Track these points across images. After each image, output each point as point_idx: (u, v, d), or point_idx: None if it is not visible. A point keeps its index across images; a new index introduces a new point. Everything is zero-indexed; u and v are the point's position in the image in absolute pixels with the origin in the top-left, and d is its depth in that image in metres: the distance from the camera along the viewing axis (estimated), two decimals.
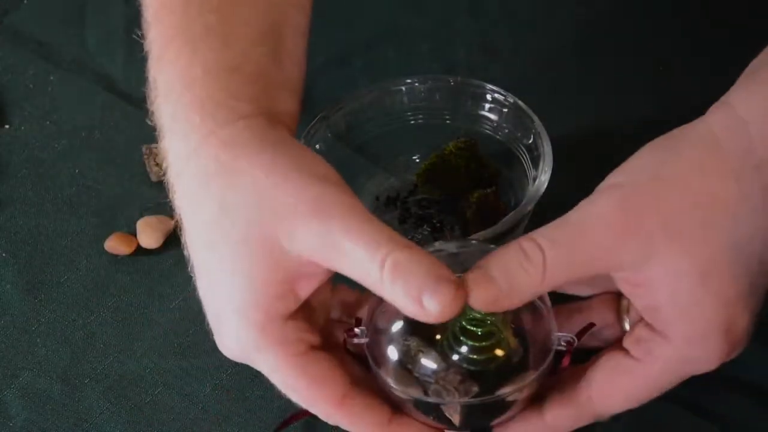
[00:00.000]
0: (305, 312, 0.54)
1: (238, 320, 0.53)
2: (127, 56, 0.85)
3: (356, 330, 0.55)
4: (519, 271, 0.50)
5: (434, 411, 0.54)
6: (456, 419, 0.54)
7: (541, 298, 0.54)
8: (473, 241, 0.58)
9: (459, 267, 0.52)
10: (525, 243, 0.51)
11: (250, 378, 0.65)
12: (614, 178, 0.54)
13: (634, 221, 0.51)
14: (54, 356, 0.68)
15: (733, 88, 0.55)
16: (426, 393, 0.53)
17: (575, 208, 0.53)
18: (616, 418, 0.57)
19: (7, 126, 0.82)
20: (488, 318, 0.52)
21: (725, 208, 0.51)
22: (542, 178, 0.64)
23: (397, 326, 0.54)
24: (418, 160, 0.74)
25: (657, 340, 0.53)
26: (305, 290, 0.53)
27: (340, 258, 0.50)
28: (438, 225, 0.70)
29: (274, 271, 0.52)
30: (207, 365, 0.66)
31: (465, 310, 0.50)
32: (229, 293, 0.53)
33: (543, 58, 0.83)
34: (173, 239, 0.72)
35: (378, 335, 0.54)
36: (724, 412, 0.61)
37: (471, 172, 0.71)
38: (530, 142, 0.68)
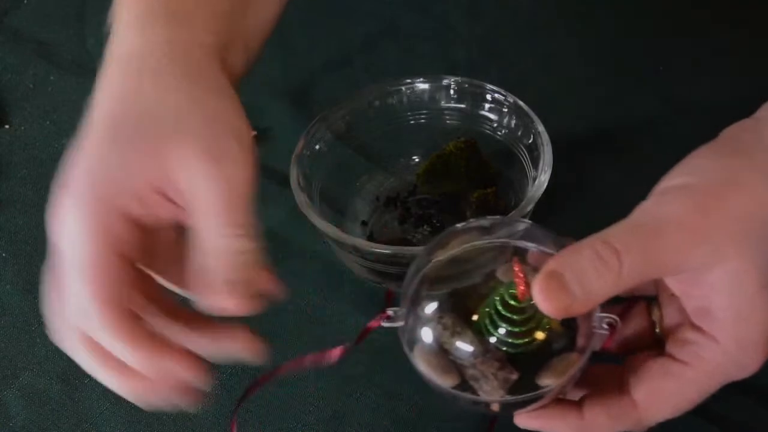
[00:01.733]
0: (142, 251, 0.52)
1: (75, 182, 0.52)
2: None
3: (389, 311, 0.53)
4: (594, 277, 0.48)
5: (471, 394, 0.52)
6: (495, 407, 0.52)
7: None
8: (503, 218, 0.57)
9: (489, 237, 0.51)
10: (600, 246, 0.49)
11: (250, 378, 0.65)
12: (680, 178, 0.52)
13: (708, 225, 0.50)
14: (54, 356, 0.68)
15: None
16: (463, 378, 0.51)
17: (641, 209, 0.51)
18: None
19: (7, 126, 0.82)
20: (529, 299, 0.50)
21: None
22: (542, 178, 0.64)
23: (433, 307, 0.52)
24: (418, 160, 0.74)
25: (707, 344, 0.51)
26: (137, 211, 0.51)
27: (196, 201, 0.50)
28: (438, 225, 0.70)
29: (140, 165, 0.51)
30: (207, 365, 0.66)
31: (504, 289, 0.50)
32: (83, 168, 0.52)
33: (543, 58, 0.83)
34: None
35: (413, 316, 0.53)
36: (724, 412, 0.61)
37: (471, 172, 0.71)
38: (530, 142, 0.68)
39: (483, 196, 0.69)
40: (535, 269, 0.50)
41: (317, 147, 0.69)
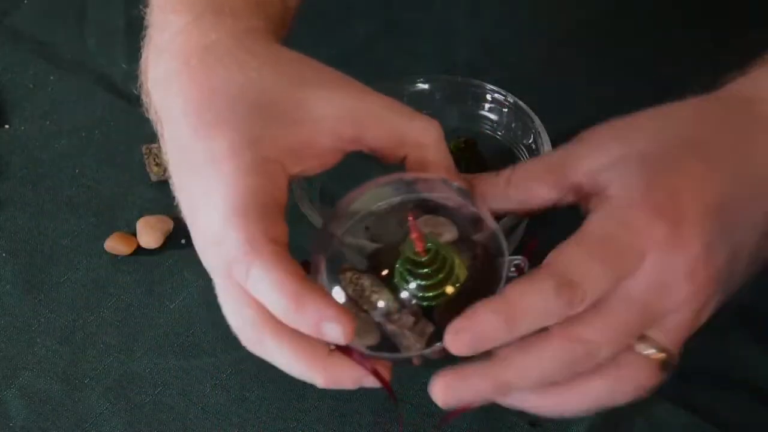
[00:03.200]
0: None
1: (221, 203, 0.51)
2: (127, 56, 0.85)
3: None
4: (491, 176, 0.53)
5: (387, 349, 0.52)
6: (416, 360, 0.52)
7: (492, 222, 0.52)
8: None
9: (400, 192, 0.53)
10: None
11: (250, 378, 0.65)
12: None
13: (595, 132, 0.53)
14: (54, 356, 0.68)
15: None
16: (384, 336, 0.52)
17: None
18: (617, 418, 0.57)
19: (7, 126, 0.82)
20: (436, 248, 0.51)
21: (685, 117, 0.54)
22: None
23: (350, 268, 0.53)
24: None
25: (597, 201, 0.51)
26: (295, 169, 0.53)
27: (372, 125, 0.54)
28: None
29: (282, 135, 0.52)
30: (207, 365, 0.66)
31: (408, 245, 0.51)
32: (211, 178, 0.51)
33: (543, 58, 0.83)
34: (173, 239, 0.73)
35: (330, 279, 0.52)
36: (724, 412, 0.61)
37: (471, 172, 0.70)
38: (530, 141, 0.67)
39: None
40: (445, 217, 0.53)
41: None
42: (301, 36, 0.85)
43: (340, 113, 0.53)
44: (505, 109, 0.70)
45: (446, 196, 0.54)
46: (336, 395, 0.64)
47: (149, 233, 0.72)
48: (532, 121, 0.67)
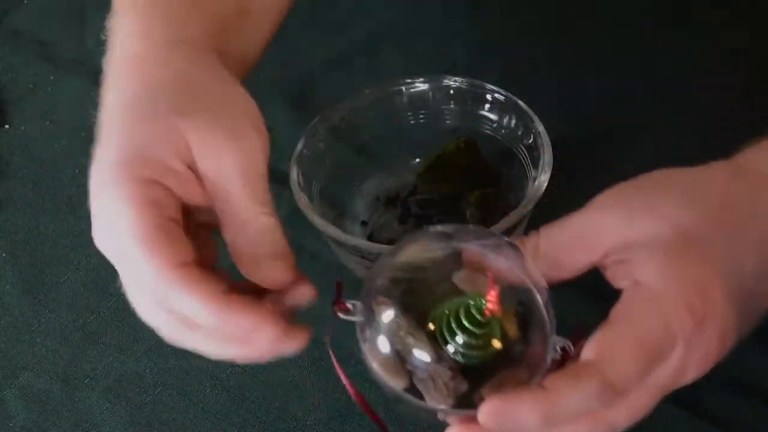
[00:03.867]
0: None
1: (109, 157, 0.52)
2: None
3: (348, 304, 0.52)
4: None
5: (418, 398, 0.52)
6: (441, 415, 0.51)
7: (544, 301, 0.52)
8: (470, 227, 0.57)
9: (449, 245, 0.52)
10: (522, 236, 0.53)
11: (250, 378, 0.65)
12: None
13: (619, 201, 0.53)
14: (54, 356, 0.68)
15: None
16: (412, 382, 0.51)
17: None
18: None
19: (7, 126, 0.82)
20: (490, 315, 0.51)
21: (711, 194, 0.53)
22: (542, 178, 0.64)
23: (390, 306, 0.52)
24: (418, 160, 0.74)
25: (633, 289, 0.51)
26: (175, 187, 0.52)
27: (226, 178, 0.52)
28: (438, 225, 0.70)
29: (160, 137, 0.52)
30: (207, 365, 0.66)
31: (472, 300, 0.50)
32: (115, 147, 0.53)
33: (543, 58, 0.83)
34: None
35: (369, 313, 0.52)
36: (724, 412, 0.61)
37: (471, 172, 0.71)
38: (530, 142, 0.67)
39: (483, 196, 0.69)
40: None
41: (317, 147, 0.69)
42: (301, 36, 0.86)
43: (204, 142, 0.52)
44: (505, 109, 0.70)
45: (502, 259, 0.53)
46: (336, 396, 0.64)
47: None
48: (532, 121, 0.67)
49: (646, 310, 0.50)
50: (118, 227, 0.50)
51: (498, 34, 0.85)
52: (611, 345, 0.50)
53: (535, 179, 0.65)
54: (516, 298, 0.52)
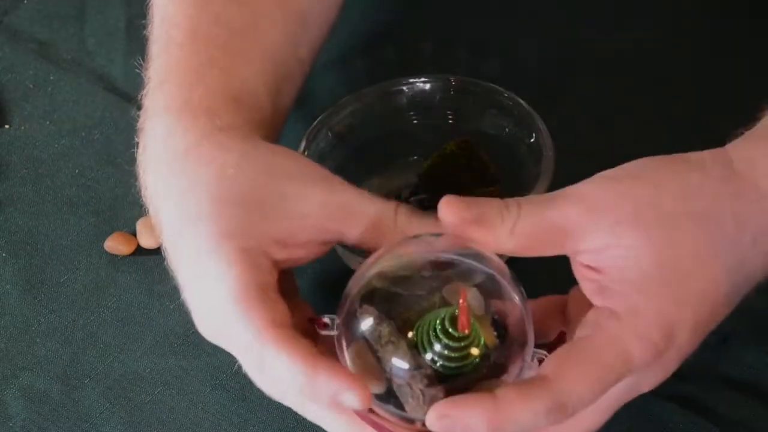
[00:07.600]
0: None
1: (216, 289, 0.53)
2: (127, 56, 0.85)
3: (325, 319, 0.53)
4: (496, 219, 0.53)
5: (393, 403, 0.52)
6: (418, 425, 0.52)
7: (524, 307, 0.52)
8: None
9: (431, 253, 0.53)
10: (508, 200, 0.53)
11: (250, 378, 0.65)
12: (605, 171, 0.55)
13: (608, 204, 0.52)
14: (54, 356, 0.68)
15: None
16: (389, 388, 0.51)
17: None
18: (614, 418, 0.57)
19: (7, 126, 0.82)
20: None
21: (704, 221, 0.52)
22: (543, 178, 0.64)
23: (372, 313, 0.52)
24: (418, 160, 0.74)
25: (604, 315, 0.52)
26: (280, 256, 0.54)
27: (350, 221, 0.54)
28: None
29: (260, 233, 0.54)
30: (207, 365, 0.66)
31: (448, 313, 0.50)
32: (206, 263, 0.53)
33: (543, 57, 0.83)
34: None
35: (351, 318, 0.53)
36: (724, 412, 0.61)
37: (471, 172, 0.71)
38: (531, 141, 0.68)
39: (485, 196, 0.69)
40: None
41: (318, 147, 0.69)
42: None
43: (323, 211, 0.54)
44: (507, 109, 0.70)
45: (481, 267, 0.53)
46: None
47: (149, 233, 0.72)
48: (534, 121, 0.67)
49: (610, 341, 0.51)
50: (217, 290, 0.52)
51: (498, 34, 0.85)
52: (570, 366, 0.50)
53: (535, 179, 0.65)
54: (495, 308, 0.52)
